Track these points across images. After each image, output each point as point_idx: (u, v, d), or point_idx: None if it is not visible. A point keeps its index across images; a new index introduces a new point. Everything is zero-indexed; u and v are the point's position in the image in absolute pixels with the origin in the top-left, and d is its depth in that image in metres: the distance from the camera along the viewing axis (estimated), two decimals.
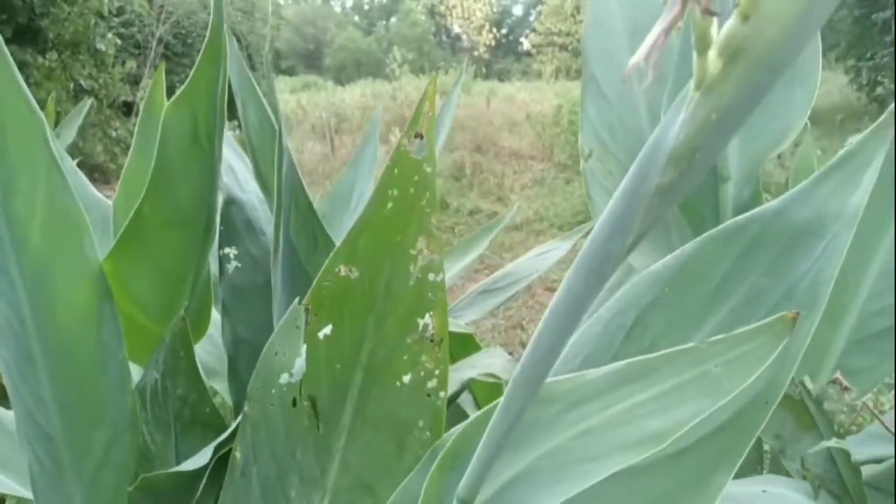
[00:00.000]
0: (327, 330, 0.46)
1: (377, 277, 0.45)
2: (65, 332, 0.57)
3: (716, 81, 0.21)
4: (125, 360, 0.60)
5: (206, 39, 0.57)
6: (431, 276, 0.44)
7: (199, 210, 0.65)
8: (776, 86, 0.67)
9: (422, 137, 0.39)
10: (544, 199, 6.15)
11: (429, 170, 0.41)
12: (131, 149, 0.78)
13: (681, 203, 0.68)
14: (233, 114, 0.77)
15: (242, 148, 0.83)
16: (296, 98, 13.53)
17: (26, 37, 5.83)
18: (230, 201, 0.73)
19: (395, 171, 0.41)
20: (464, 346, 1.12)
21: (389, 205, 0.42)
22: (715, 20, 0.20)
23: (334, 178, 6.76)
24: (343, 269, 0.44)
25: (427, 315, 0.45)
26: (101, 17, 6.26)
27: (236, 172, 0.75)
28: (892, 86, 7.79)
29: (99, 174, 6.30)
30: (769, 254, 0.41)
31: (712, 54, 0.20)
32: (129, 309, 0.66)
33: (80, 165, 1.74)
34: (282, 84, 17.28)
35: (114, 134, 6.43)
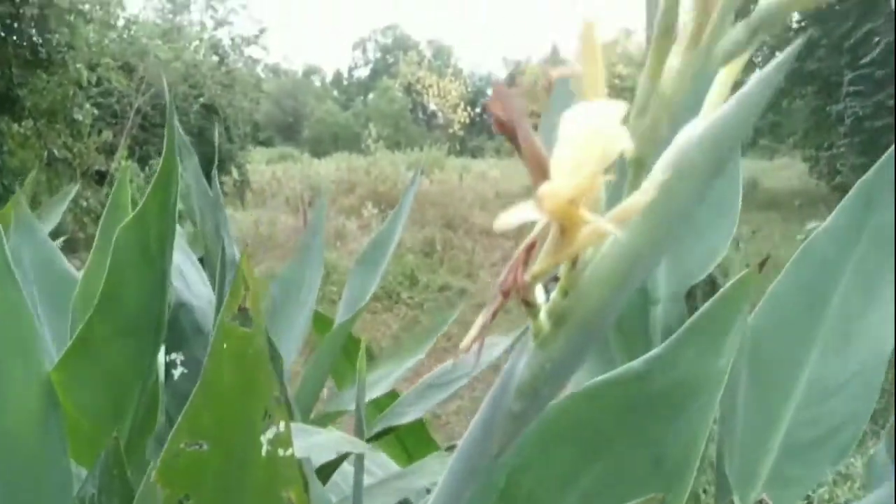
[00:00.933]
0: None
1: (230, 451, 0.44)
2: (9, 438, 0.57)
3: (547, 339, 0.24)
4: (68, 467, 0.60)
5: (160, 166, 0.61)
6: (281, 451, 0.43)
7: (148, 319, 0.67)
8: (702, 215, 0.72)
9: (247, 311, 0.39)
10: None
11: (261, 342, 0.41)
12: (92, 251, 0.80)
13: (613, 326, 0.71)
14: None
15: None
16: (271, 170, 13.65)
17: (4, 105, 5.87)
18: (179, 305, 0.75)
19: (225, 346, 0.40)
20: (417, 438, 1.12)
21: (226, 378, 0.42)
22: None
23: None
24: (190, 444, 0.43)
25: (285, 491, 0.44)
26: (80, 86, 6.34)
27: (186, 276, 0.77)
28: (851, 175, 8.11)
29: (67, 243, 6.23)
30: (640, 415, 0.42)
31: (542, 317, 0.24)
32: (76, 415, 0.67)
33: (48, 234, 1.74)
34: (259, 155, 17.44)
35: (84, 203, 6.40)
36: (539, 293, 0.24)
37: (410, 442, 1.12)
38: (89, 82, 6.37)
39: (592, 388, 0.42)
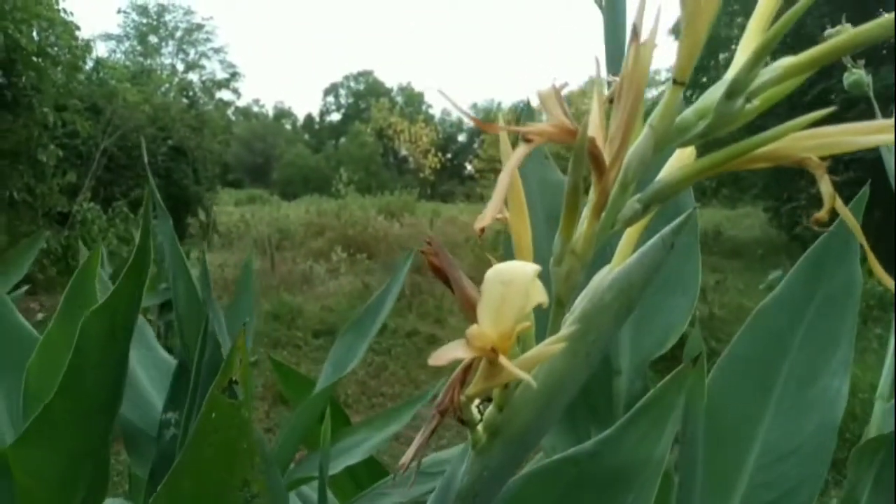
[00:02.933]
0: None
1: None
2: None
3: (484, 449, 0.28)
4: None
5: (132, 258, 0.61)
6: None
7: (107, 398, 0.67)
8: (664, 293, 0.74)
9: (237, 383, 0.41)
10: None
11: (246, 414, 0.43)
12: (53, 320, 0.78)
13: (580, 392, 0.73)
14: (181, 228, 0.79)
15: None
16: (240, 211, 13.61)
17: None
18: (181, 365, 0.74)
19: (213, 415, 0.42)
20: None
21: (210, 449, 0.43)
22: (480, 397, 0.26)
23: (270, 296, 6.72)
24: None
25: None
26: (46, 128, 6.28)
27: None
28: (810, 227, 8.33)
29: (25, 284, 6.08)
30: (587, 497, 0.44)
31: (480, 429, 0.27)
32: (29, 484, 0.67)
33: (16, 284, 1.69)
34: (227, 196, 17.40)
35: (45, 245, 6.28)
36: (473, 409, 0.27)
37: None
38: (55, 124, 6.32)
39: (550, 466, 0.44)
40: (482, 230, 0.28)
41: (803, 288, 0.71)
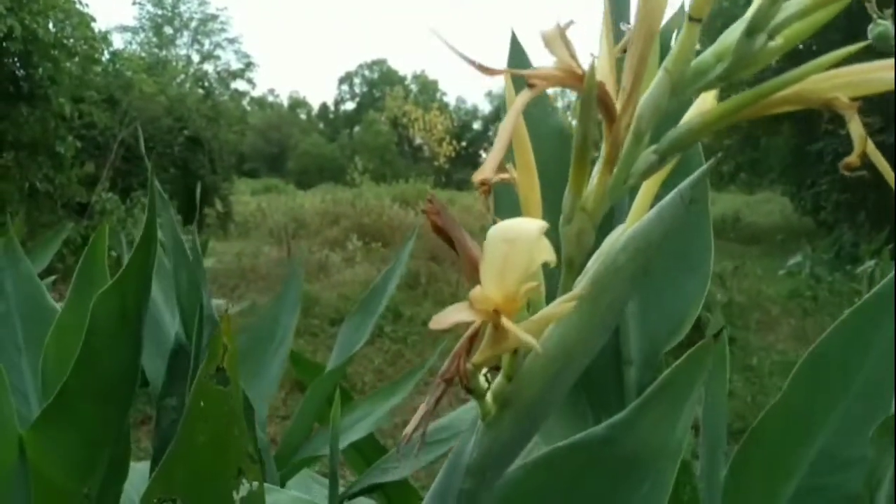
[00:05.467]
0: None
1: None
2: None
3: (494, 420, 0.26)
4: None
5: (141, 234, 0.61)
6: None
7: (123, 379, 0.67)
8: (673, 273, 0.70)
9: (224, 371, 0.40)
10: None
11: (236, 401, 0.42)
12: (65, 305, 0.79)
13: (587, 385, 0.70)
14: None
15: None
16: (256, 201, 13.66)
17: None
18: (177, 350, 0.74)
19: (202, 403, 0.41)
20: (404, 496, 1.10)
21: (201, 436, 0.42)
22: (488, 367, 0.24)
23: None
24: (162, 500, 0.44)
25: None
26: (63, 119, 6.32)
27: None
28: (833, 211, 8.18)
29: (45, 274, 6.15)
30: (598, 484, 0.41)
31: (489, 398, 0.25)
32: (49, 471, 0.67)
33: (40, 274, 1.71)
34: (244, 186, 17.47)
35: (65, 235, 6.35)
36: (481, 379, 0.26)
37: (394, 492, 1.10)
38: (72, 115, 6.36)
39: (558, 452, 0.41)
40: (484, 184, 0.26)
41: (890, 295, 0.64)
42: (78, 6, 6.44)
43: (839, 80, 0.27)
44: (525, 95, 0.26)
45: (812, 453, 0.69)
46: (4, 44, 5.47)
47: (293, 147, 30.43)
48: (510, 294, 0.23)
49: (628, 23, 0.31)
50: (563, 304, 0.25)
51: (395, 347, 5.16)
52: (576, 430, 0.62)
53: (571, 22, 0.28)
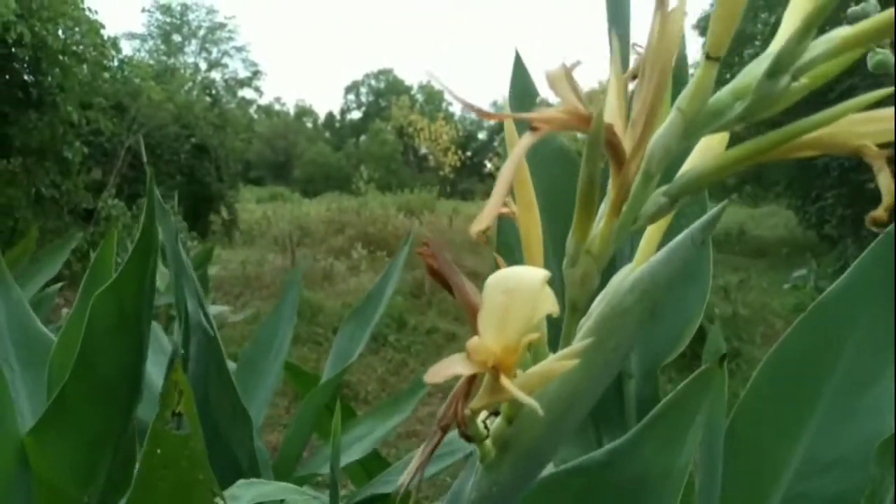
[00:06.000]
0: None
1: None
2: None
3: (493, 464, 0.26)
4: None
5: (138, 236, 0.60)
6: None
7: (123, 383, 0.66)
8: (672, 286, 0.70)
9: (181, 415, 0.38)
10: None
11: (197, 445, 0.40)
12: (71, 312, 0.79)
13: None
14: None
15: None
16: (262, 209, 13.68)
17: None
18: (171, 360, 0.74)
19: (158, 451, 0.40)
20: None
21: (162, 484, 0.41)
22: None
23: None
24: None
25: None
26: (71, 125, 6.35)
27: None
28: (840, 226, 8.15)
29: (51, 281, 6.16)
30: None
31: (488, 443, 0.25)
32: (51, 475, 0.67)
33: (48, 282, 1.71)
34: (249, 193, 17.50)
35: (74, 244, 6.36)
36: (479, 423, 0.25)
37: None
38: (80, 121, 6.39)
39: (556, 476, 0.40)
40: (483, 234, 0.24)
41: (864, 286, 0.65)
42: (87, 13, 6.48)
43: (869, 127, 0.26)
44: (527, 139, 0.25)
45: (790, 458, 0.69)
46: (14, 50, 5.51)
47: (299, 155, 30.50)
48: (510, 346, 0.22)
49: (628, 29, 0.31)
50: (564, 359, 0.24)
51: (399, 356, 5.14)
52: (577, 444, 0.61)
53: (578, 62, 0.27)
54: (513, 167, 0.25)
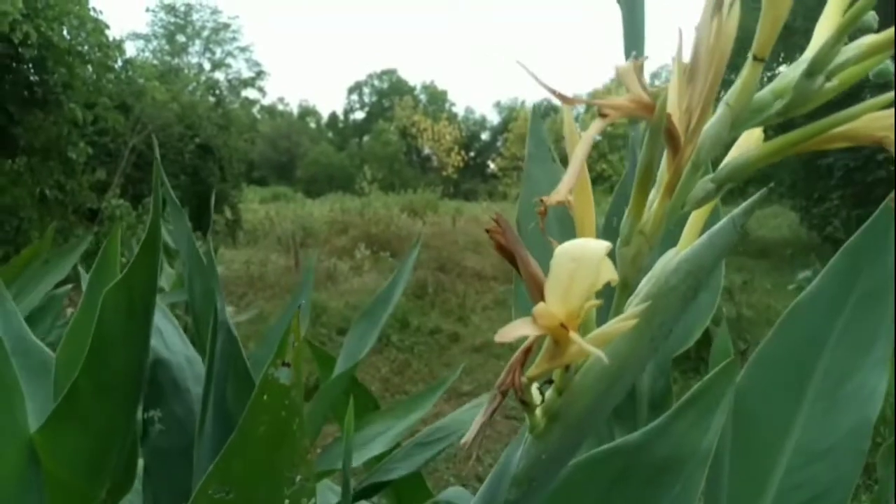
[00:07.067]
0: None
1: (255, 500, 0.45)
2: None
3: (543, 433, 0.28)
4: None
5: (146, 232, 0.61)
6: (304, 502, 0.45)
7: (131, 378, 0.67)
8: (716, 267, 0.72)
9: (289, 365, 0.41)
10: (505, 322, 6.18)
11: (297, 396, 0.43)
12: (79, 307, 0.79)
13: None
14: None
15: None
16: (265, 209, 13.72)
17: None
18: (157, 362, 0.75)
19: (265, 397, 0.42)
20: (412, 486, 1.10)
21: (261, 429, 0.43)
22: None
23: (295, 293, 6.74)
24: (218, 491, 0.44)
25: None
26: (76, 125, 6.38)
27: (163, 333, 0.77)
28: (844, 226, 8.18)
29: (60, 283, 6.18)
30: (633, 487, 0.44)
31: (539, 412, 0.26)
32: (59, 471, 0.67)
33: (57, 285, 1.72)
34: (252, 194, 17.56)
35: (84, 247, 6.39)
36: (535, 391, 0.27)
37: (404, 490, 1.11)
38: (85, 121, 6.42)
39: (597, 456, 0.44)
40: (544, 212, 0.27)
41: (840, 284, 0.68)
42: (92, 13, 6.51)
43: (890, 121, 0.29)
44: (598, 124, 0.28)
45: (782, 451, 0.70)
46: (20, 50, 5.53)
47: (302, 155, 30.57)
48: (573, 311, 0.24)
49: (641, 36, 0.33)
50: (622, 322, 0.26)
51: (402, 357, 5.15)
52: (590, 438, 0.63)
53: (646, 58, 0.30)
54: (586, 147, 0.28)
